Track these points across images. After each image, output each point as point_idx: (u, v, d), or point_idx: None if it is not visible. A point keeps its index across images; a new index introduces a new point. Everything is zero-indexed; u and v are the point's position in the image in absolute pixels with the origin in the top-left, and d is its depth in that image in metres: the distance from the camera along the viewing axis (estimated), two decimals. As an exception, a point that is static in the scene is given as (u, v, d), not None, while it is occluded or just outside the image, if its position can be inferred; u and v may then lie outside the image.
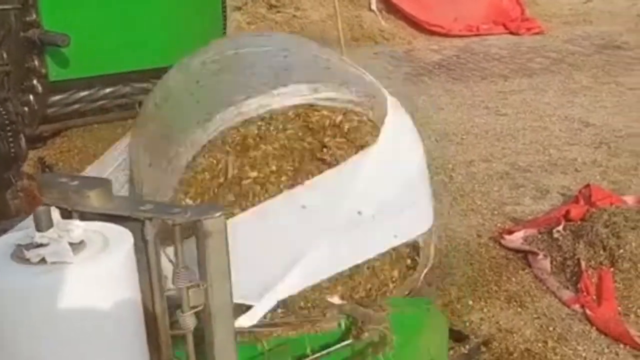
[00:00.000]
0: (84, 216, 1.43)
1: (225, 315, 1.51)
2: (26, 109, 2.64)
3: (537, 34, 9.72)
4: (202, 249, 1.45)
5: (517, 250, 3.70)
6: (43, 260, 1.22)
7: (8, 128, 2.63)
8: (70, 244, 1.26)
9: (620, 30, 9.80)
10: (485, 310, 3.23)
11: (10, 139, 2.61)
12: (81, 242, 1.29)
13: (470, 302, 3.28)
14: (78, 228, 1.26)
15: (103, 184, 1.45)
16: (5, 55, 2.69)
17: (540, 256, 3.52)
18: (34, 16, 2.45)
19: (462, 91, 7.00)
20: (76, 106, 2.68)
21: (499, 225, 4.08)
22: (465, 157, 5.19)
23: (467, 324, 3.10)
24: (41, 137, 2.81)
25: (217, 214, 1.43)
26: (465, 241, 3.88)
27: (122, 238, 1.35)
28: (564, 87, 7.04)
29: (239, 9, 8.80)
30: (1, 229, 2.39)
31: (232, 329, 1.52)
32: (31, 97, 2.59)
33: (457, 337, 2.66)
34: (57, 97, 2.61)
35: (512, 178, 4.78)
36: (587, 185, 4.27)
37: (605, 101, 6.52)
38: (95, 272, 1.25)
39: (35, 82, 2.55)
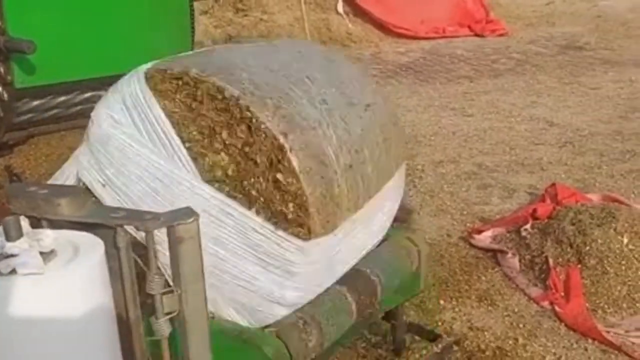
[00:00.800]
0: (54, 224, 1.42)
1: (200, 320, 1.50)
2: (-9, 117, 2.60)
3: (501, 35, 9.88)
4: (175, 254, 1.45)
5: (486, 249, 3.74)
6: (14, 271, 1.20)
7: (-27, 137, 2.59)
8: (41, 253, 1.24)
9: (581, 31, 10.01)
10: (456, 309, 3.26)
11: (-24, 148, 2.58)
12: (52, 251, 1.28)
13: (442, 302, 3.31)
14: (48, 237, 1.25)
15: (74, 192, 1.44)
16: (-34, 63, 2.64)
17: (509, 255, 3.57)
18: None
19: (429, 93, 7.07)
20: (43, 113, 2.64)
21: (468, 224, 4.12)
22: (433, 157, 5.24)
23: (439, 323, 3.13)
24: (7, 145, 2.76)
25: (190, 220, 1.43)
26: (435, 241, 3.92)
27: (92, 246, 1.34)
28: (529, 87, 7.16)
29: (205, 12, 8.77)
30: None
31: (207, 334, 1.52)
32: (-4, 104, 2.55)
33: (429, 336, 2.68)
34: (23, 105, 2.57)
35: (480, 178, 4.84)
36: (553, 184, 4.34)
37: (568, 101, 6.64)
38: (66, 282, 1.24)
39: (0, 89, 2.51)
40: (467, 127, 5.93)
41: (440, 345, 2.61)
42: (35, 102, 2.57)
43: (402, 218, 2.75)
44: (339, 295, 2.05)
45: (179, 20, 2.84)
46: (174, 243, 1.44)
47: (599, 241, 3.35)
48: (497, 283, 3.46)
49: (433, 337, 2.68)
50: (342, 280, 2.08)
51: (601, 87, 7.07)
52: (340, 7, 9.40)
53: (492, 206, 4.40)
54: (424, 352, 2.59)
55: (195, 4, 8.93)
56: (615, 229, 3.38)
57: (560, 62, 8.20)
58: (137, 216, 1.43)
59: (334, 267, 2.02)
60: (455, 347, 2.80)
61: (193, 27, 2.91)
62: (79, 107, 2.70)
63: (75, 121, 2.74)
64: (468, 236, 3.92)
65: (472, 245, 3.83)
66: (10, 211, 2.65)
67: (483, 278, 3.51)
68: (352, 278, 2.11)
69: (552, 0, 13.01)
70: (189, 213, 1.44)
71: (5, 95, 2.50)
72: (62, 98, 2.63)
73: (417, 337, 2.78)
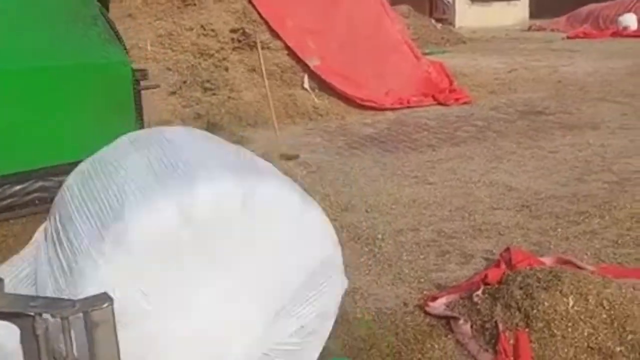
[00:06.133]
0: (-27, 315, 1.48)
1: (118, 403, 1.55)
2: (-64, 205, 2.67)
3: (465, 103, 10.16)
4: (91, 339, 1.51)
5: (440, 317, 3.81)
6: None
7: None
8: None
9: (542, 97, 10.35)
10: (410, 379, 3.30)
11: None
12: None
13: (395, 372, 3.35)
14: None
15: (-8, 283, 1.51)
16: None
17: (461, 321, 3.63)
18: None
19: (393, 162, 7.22)
20: (-2, 202, 2.72)
21: (425, 292, 4.19)
22: (393, 226, 5.33)
23: (393, 393, 3.17)
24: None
25: (105, 305, 1.50)
26: (392, 311, 3.97)
27: (8, 335, 1.40)
28: (490, 153, 7.34)
29: (173, 93, 8.98)
30: None
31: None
32: (-58, 194, 2.62)
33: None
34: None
35: (439, 245, 4.93)
36: (507, 249, 4.45)
37: (527, 165, 6.83)
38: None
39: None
40: (427, 195, 6.05)
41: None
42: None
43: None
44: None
45: (123, 110, 2.97)
46: (90, 328, 1.51)
47: (546, 304, 3.43)
48: (449, 350, 3.51)
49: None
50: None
51: (559, 151, 7.28)
52: (306, 83, 9.66)
53: (448, 273, 4.48)
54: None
55: (163, 84, 9.13)
56: (561, 291, 3.47)
57: (520, 127, 8.44)
58: (54, 304, 1.50)
59: None
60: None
61: (138, 114, 3.03)
62: (31, 196, 2.79)
63: (28, 209, 2.83)
64: (424, 304, 3.98)
65: (427, 313, 3.89)
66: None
67: (436, 346, 3.56)
68: None
69: (515, 68, 13.48)
70: (103, 298, 1.52)
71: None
72: (6, 189, 2.71)
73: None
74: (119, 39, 3.03)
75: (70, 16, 2.84)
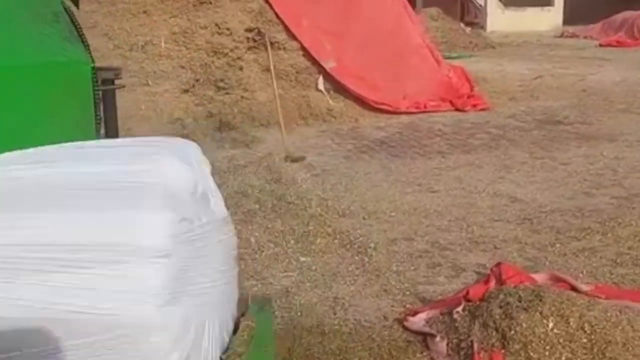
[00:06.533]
0: None
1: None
2: None
3: (483, 110, 9.95)
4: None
5: (418, 333, 3.67)
6: None
7: None
8: None
9: (563, 105, 10.08)
10: (376, 397, 3.18)
11: None
12: None
13: (362, 389, 3.24)
14: None
15: None
16: None
17: (438, 338, 3.50)
18: None
19: (399, 168, 7.08)
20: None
21: (407, 306, 4.06)
22: (388, 235, 5.20)
23: (356, 412, 3.06)
24: None
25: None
26: (370, 324, 3.85)
27: None
28: (499, 162, 7.15)
29: (186, 91, 8.95)
30: None
31: None
32: None
33: None
34: None
35: (431, 257, 4.78)
36: (499, 264, 4.29)
37: (536, 176, 6.62)
38: None
39: None
40: (429, 204, 5.90)
41: None
42: None
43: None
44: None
45: (82, 110, 2.89)
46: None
47: (524, 325, 3.27)
48: (422, 369, 3.39)
49: None
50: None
51: (571, 163, 7.06)
52: (320, 84, 9.55)
53: (436, 286, 4.33)
54: None
55: (176, 82, 9.11)
56: (541, 312, 3.31)
57: (535, 137, 8.22)
58: None
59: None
60: None
61: (112, 115, 2.95)
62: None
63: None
64: (404, 319, 3.85)
65: (406, 328, 3.76)
66: None
67: (409, 363, 3.44)
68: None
69: (541, 75, 13.20)
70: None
71: None
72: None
73: None
74: (82, 37, 2.95)
75: (30, 13, 2.78)
